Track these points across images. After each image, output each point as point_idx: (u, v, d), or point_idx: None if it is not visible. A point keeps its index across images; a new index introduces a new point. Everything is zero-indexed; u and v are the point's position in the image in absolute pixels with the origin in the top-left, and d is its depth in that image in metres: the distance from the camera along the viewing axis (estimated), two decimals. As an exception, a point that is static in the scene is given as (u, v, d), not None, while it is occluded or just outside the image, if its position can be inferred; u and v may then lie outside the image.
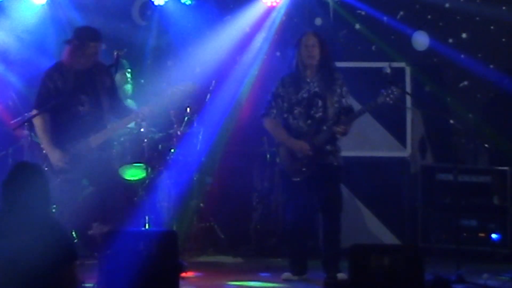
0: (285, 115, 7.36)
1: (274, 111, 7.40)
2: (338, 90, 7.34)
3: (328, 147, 7.30)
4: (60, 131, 6.87)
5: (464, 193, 8.47)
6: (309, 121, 7.29)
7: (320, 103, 7.29)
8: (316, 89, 7.30)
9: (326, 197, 7.32)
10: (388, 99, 7.22)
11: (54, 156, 6.81)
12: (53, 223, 4.68)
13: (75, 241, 8.00)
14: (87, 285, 6.40)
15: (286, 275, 7.44)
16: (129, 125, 7.63)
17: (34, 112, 6.85)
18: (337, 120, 7.28)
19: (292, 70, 7.40)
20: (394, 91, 7.24)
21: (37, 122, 6.85)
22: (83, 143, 6.78)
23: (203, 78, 8.72)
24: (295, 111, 7.31)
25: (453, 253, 7.58)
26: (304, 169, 7.29)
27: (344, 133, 7.29)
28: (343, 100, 7.35)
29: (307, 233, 7.66)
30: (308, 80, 7.33)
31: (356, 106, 8.37)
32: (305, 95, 7.31)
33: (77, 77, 6.81)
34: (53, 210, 8.06)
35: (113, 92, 6.96)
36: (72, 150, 6.79)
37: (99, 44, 6.87)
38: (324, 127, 7.27)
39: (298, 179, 7.31)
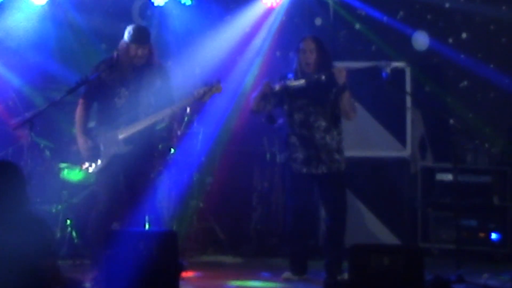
0: (285, 119, 7.37)
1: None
2: (334, 90, 7.30)
3: (336, 155, 7.31)
4: (98, 121, 6.98)
5: (464, 193, 8.47)
6: (310, 130, 7.27)
7: (318, 110, 7.28)
8: (313, 96, 7.28)
9: (333, 201, 7.32)
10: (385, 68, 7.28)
11: (79, 141, 6.91)
12: (32, 218, 4.69)
13: (75, 241, 8.05)
14: (87, 285, 6.41)
15: (287, 274, 7.44)
16: None
17: (80, 100, 6.98)
18: (333, 123, 7.30)
19: (292, 75, 7.40)
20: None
21: (78, 109, 6.98)
22: (111, 134, 6.79)
23: (203, 78, 8.71)
24: (295, 116, 7.32)
25: (453, 253, 7.59)
26: (300, 174, 7.30)
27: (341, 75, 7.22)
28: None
29: (308, 234, 7.66)
30: (306, 86, 7.30)
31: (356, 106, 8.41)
32: (304, 102, 7.29)
33: (124, 71, 6.85)
34: (53, 210, 8.15)
35: (161, 93, 6.89)
36: (98, 140, 6.81)
37: (142, 46, 6.83)
38: (327, 137, 7.28)
39: (304, 171, 7.30)
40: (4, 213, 4.61)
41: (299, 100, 7.29)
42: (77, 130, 6.97)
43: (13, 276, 4.52)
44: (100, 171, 6.84)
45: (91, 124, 7.08)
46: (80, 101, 6.97)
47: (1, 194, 4.65)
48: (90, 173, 7.02)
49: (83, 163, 6.93)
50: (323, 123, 7.26)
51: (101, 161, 6.81)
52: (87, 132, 6.91)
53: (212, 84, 6.87)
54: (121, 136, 6.79)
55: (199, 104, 7.51)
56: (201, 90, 6.84)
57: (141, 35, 6.91)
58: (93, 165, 6.84)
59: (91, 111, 7.02)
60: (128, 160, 6.76)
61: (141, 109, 6.83)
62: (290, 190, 7.47)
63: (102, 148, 6.81)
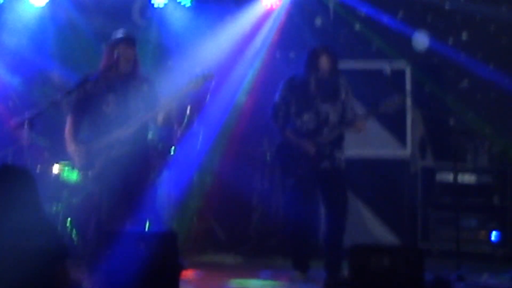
0: (293, 118, 7.41)
1: (280, 113, 7.46)
2: (343, 95, 7.39)
3: (337, 153, 7.34)
4: (89, 130, 6.91)
5: (464, 193, 8.47)
6: (317, 126, 7.32)
7: (327, 109, 7.34)
8: (323, 96, 7.33)
9: (335, 200, 7.36)
10: (390, 108, 7.36)
11: (70, 150, 6.85)
12: (43, 223, 4.70)
13: (75, 241, 8.05)
14: (87, 285, 6.41)
15: (295, 274, 7.44)
16: None
17: (68, 117, 6.91)
18: (339, 124, 7.34)
19: (301, 76, 7.42)
20: (396, 100, 7.41)
21: (67, 124, 6.92)
22: (104, 138, 6.75)
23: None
24: (304, 117, 7.36)
25: (453, 253, 7.59)
26: (301, 172, 7.32)
27: (360, 129, 7.38)
28: (348, 106, 7.41)
29: (309, 233, 7.66)
30: (316, 87, 7.35)
31: (356, 105, 8.41)
32: (314, 102, 7.33)
33: (110, 79, 6.78)
34: (53, 210, 8.15)
35: (149, 99, 6.82)
36: (91, 148, 6.77)
37: (131, 47, 6.78)
38: (325, 131, 7.32)
39: (295, 178, 7.34)
40: (19, 218, 4.62)
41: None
42: (67, 141, 6.87)
43: (27, 278, 4.52)
44: (96, 177, 6.81)
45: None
46: (69, 117, 6.89)
47: (15, 200, 4.65)
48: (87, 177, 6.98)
49: (78, 170, 6.89)
50: (326, 119, 7.32)
51: (97, 167, 6.76)
52: (77, 140, 6.81)
53: (203, 72, 6.80)
54: (115, 139, 6.72)
55: (198, 101, 7.46)
56: (193, 80, 6.73)
57: (129, 37, 6.88)
58: (89, 172, 6.81)
59: (83, 125, 6.93)
60: (124, 163, 6.68)
61: (131, 112, 6.74)
62: (291, 190, 7.50)
63: (96, 153, 6.77)
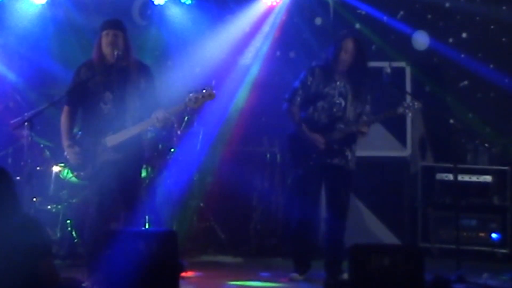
0: (308, 105, 7.37)
1: (298, 99, 7.40)
2: (363, 96, 7.38)
3: (348, 152, 7.34)
4: (84, 127, 6.86)
5: (464, 193, 8.47)
6: (329, 118, 7.31)
7: (342, 103, 7.32)
8: (342, 89, 7.33)
9: (337, 199, 7.36)
10: (407, 111, 7.31)
11: (65, 148, 6.82)
12: (25, 220, 4.70)
13: (75, 241, 8.06)
14: (86, 285, 6.41)
15: (294, 275, 7.43)
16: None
17: (64, 107, 6.88)
18: (355, 122, 7.34)
19: (324, 63, 7.40)
20: (415, 104, 7.37)
21: (63, 116, 6.87)
22: (99, 142, 6.72)
23: (203, 78, 8.72)
24: (319, 104, 7.33)
25: (453, 253, 7.59)
26: (311, 162, 7.30)
27: (364, 133, 7.35)
28: (366, 107, 7.42)
29: (311, 230, 7.66)
30: (337, 77, 7.34)
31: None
32: (331, 92, 7.32)
33: (107, 73, 6.71)
34: (53, 210, 8.15)
35: (146, 95, 6.75)
36: (85, 147, 6.73)
37: (118, 32, 6.71)
38: (340, 126, 7.31)
39: (305, 169, 7.32)
40: None
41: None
42: (62, 137, 6.82)
43: (11, 276, 4.52)
44: (90, 178, 6.78)
45: (75, 130, 7.01)
46: (65, 108, 6.84)
47: None
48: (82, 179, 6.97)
49: (73, 170, 6.87)
50: (339, 113, 7.32)
51: (91, 169, 6.73)
52: (73, 138, 6.79)
53: (205, 90, 6.70)
54: (109, 144, 6.64)
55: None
56: (193, 97, 6.65)
57: (110, 21, 6.83)
58: (82, 173, 6.78)
59: (77, 117, 6.90)
60: (119, 167, 6.64)
61: (128, 114, 6.69)
62: (297, 187, 7.49)
63: (90, 155, 6.72)
